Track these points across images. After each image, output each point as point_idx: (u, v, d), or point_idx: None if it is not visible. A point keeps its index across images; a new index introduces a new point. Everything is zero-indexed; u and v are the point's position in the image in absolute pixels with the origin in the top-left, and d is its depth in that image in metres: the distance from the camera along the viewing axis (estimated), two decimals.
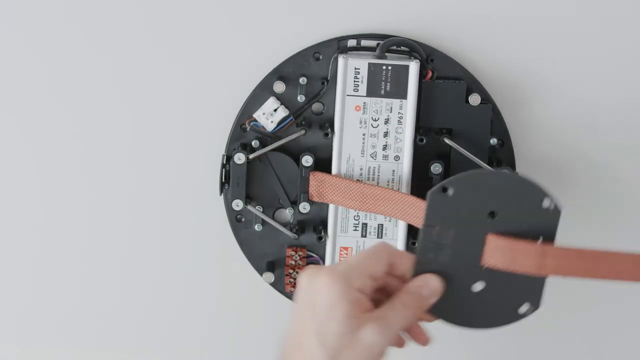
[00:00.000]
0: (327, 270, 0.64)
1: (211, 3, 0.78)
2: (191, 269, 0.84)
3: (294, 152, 0.79)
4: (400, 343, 0.70)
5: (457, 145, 0.77)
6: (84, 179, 0.83)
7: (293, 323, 0.65)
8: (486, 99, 0.78)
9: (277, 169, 0.79)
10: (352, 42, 0.78)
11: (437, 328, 0.75)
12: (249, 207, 0.79)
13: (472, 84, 0.78)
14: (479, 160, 0.77)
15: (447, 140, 0.77)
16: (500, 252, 0.69)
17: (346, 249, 0.80)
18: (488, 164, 0.78)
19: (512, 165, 0.79)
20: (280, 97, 0.78)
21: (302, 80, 0.78)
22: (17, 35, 0.79)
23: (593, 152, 0.81)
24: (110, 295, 0.86)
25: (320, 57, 0.78)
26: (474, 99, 0.78)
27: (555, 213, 0.69)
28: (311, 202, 0.79)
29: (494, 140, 0.79)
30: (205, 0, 0.78)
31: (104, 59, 0.80)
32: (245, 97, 0.78)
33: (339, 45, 0.78)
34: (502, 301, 0.70)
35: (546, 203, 0.68)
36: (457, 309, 0.70)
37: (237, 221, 0.80)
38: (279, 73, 0.78)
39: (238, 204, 0.79)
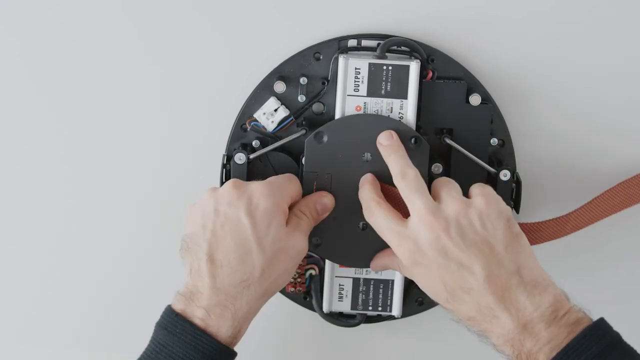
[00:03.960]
0: (263, 183, 0.72)
1: (212, 3, 0.78)
2: None
3: (294, 152, 0.78)
4: None
5: (457, 145, 0.77)
6: (82, 180, 0.83)
7: (214, 222, 0.71)
8: (486, 99, 0.78)
9: (278, 169, 0.78)
10: (352, 42, 0.78)
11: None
12: None
13: (473, 84, 0.78)
14: (479, 160, 0.77)
15: (447, 140, 0.77)
16: None
17: None
18: (488, 164, 0.78)
19: (512, 164, 0.79)
20: (280, 97, 0.78)
21: (303, 80, 0.78)
22: (11, 36, 0.80)
23: (593, 151, 0.81)
24: (108, 296, 0.86)
25: (321, 57, 0.78)
26: (475, 99, 0.78)
27: (425, 149, 0.75)
28: None
29: (494, 140, 0.79)
30: (205, 1, 0.78)
31: (105, 59, 0.80)
32: (246, 97, 0.78)
33: (339, 45, 0.78)
34: (382, 240, 0.73)
35: (414, 140, 0.74)
36: (343, 249, 0.77)
37: None
38: (280, 73, 0.78)
39: None
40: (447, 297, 0.68)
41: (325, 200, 0.76)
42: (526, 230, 0.75)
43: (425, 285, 0.70)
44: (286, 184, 0.74)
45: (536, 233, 0.76)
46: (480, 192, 0.70)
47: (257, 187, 0.72)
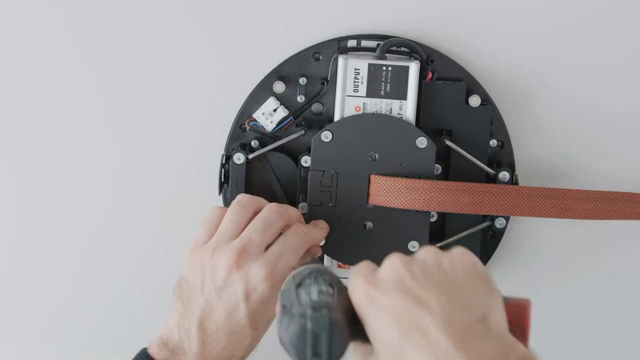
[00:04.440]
0: (265, 263, 0.70)
1: (211, 3, 0.78)
2: None
3: (293, 152, 0.79)
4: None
5: (457, 147, 0.77)
6: (82, 180, 0.83)
7: (209, 291, 0.70)
8: (486, 100, 0.78)
9: (276, 169, 0.79)
10: (352, 43, 0.78)
11: None
12: None
13: (472, 85, 0.78)
14: (478, 162, 0.77)
15: (447, 142, 0.77)
16: (383, 190, 0.75)
17: None
18: (488, 165, 0.78)
19: (511, 166, 0.79)
20: (280, 97, 0.78)
21: (302, 80, 0.78)
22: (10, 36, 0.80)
23: (593, 152, 0.81)
24: (107, 296, 0.86)
25: (320, 57, 0.78)
26: (474, 100, 0.78)
27: (431, 150, 0.75)
28: None
29: (493, 142, 0.79)
30: (205, 1, 0.78)
31: (105, 59, 0.80)
32: (245, 97, 0.78)
33: (339, 46, 0.78)
34: (391, 239, 0.74)
35: (420, 142, 0.75)
36: (346, 248, 0.76)
37: None
38: (279, 73, 0.78)
39: None
40: (398, 338, 0.54)
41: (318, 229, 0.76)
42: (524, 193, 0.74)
43: (375, 327, 0.56)
44: (292, 263, 0.71)
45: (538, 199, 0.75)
46: (462, 248, 0.60)
47: (257, 270, 0.70)
